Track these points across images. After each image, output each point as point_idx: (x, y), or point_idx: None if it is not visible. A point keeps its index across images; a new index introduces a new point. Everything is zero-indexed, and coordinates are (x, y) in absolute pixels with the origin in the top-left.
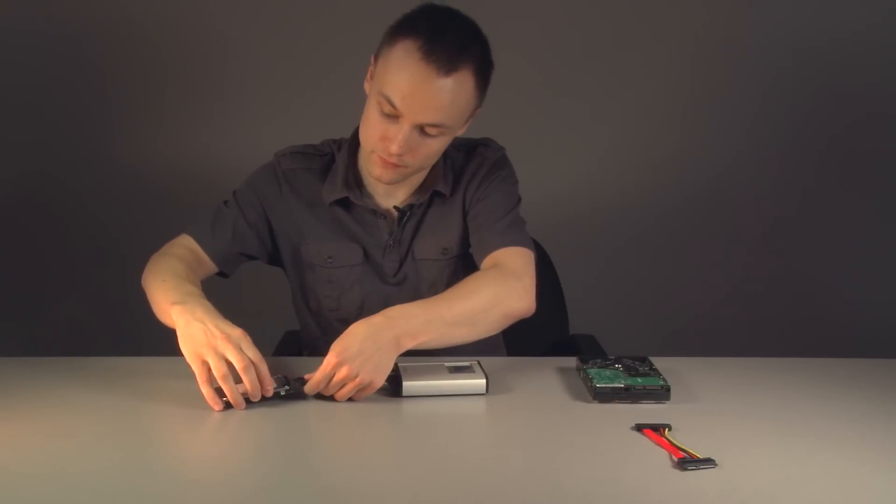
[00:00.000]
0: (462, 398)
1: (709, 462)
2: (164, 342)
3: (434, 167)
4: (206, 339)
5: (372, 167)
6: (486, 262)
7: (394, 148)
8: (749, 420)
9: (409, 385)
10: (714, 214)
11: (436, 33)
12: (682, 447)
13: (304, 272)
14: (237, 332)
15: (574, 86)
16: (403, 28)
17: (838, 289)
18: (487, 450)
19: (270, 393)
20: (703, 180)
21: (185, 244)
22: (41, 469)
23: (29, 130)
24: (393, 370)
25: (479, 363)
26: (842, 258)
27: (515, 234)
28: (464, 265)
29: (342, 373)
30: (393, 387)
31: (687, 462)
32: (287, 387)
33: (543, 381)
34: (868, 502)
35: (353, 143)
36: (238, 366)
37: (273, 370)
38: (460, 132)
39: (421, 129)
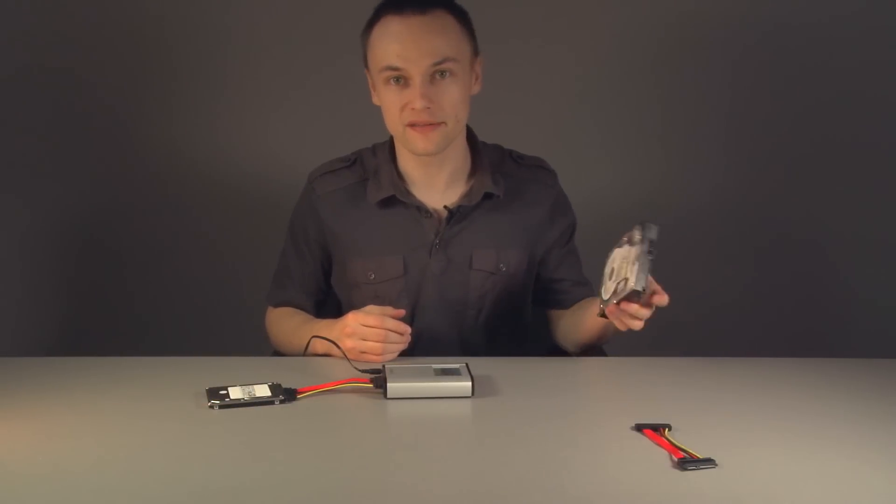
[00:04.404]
0: (452, 400)
1: (709, 462)
2: (164, 342)
3: (481, 170)
4: (349, 339)
5: (412, 143)
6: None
7: (417, 104)
8: (749, 420)
9: (393, 387)
10: (715, 216)
11: (398, 1)
12: (682, 447)
13: (351, 291)
14: (349, 318)
15: (577, 90)
16: (370, 21)
17: (839, 289)
18: (487, 450)
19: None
20: (705, 182)
21: (283, 311)
22: (41, 469)
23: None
24: (379, 371)
25: (466, 365)
26: (843, 258)
27: (588, 285)
28: (512, 284)
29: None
30: (379, 388)
31: (687, 462)
32: (282, 396)
33: (544, 381)
34: (868, 502)
35: (392, 145)
36: (376, 323)
37: (273, 371)
38: (475, 88)
39: (431, 77)
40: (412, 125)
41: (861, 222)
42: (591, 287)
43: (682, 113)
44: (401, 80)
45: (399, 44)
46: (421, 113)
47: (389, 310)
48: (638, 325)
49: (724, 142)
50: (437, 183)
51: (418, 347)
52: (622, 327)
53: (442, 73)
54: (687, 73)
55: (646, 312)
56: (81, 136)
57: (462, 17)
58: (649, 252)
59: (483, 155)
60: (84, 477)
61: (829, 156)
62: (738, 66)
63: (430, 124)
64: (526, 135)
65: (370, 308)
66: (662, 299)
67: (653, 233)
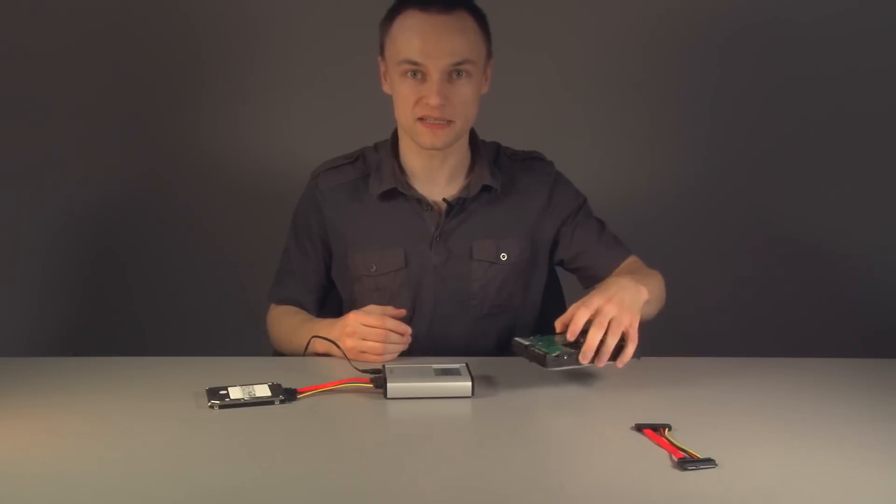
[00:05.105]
0: (452, 400)
1: (709, 462)
2: (164, 342)
3: (480, 164)
4: (350, 339)
5: (421, 137)
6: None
7: (433, 100)
8: (749, 420)
9: (393, 387)
10: (714, 214)
11: None
12: (682, 447)
13: (353, 285)
14: (349, 318)
15: (570, 87)
16: (392, 11)
17: (839, 288)
18: (487, 450)
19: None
20: (704, 180)
21: (284, 310)
22: (41, 469)
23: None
24: (379, 371)
25: (466, 365)
26: (842, 257)
27: (619, 246)
28: (514, 274)
29: (606, 305)
30: (379, 388)
31: (687, 462)
32: (282, 396)
33: (544, 381)
34: (868, 502)
35: (394, 141)
36: (376, 323)
37: (273, 371)
38: (484, 89)
39: (448, 76)
40: (423, 119)
41: (859, 221)
42: (624, 249)
43: (674, 111)
44: (418, 74)
45: (421, 39)
46: (434, 109)
47: (390, 310)
48: (621, 361)
49: (712, 137)
50: (438, 177)
51: (422, 340)
52: (620, 364)
53: (458, 72)
54: (677, 68)
55: (591, 352)
56: (84, 137)
57: (482, 20)
58: (527, 348)
59: (482, 151)
60: (84, 477)
61: (823, 152)
62: (729, 62)
63: (440, 122)
64: (515, 130)
65: (371, 308)
66: (572, 330)
67: (516, 348)
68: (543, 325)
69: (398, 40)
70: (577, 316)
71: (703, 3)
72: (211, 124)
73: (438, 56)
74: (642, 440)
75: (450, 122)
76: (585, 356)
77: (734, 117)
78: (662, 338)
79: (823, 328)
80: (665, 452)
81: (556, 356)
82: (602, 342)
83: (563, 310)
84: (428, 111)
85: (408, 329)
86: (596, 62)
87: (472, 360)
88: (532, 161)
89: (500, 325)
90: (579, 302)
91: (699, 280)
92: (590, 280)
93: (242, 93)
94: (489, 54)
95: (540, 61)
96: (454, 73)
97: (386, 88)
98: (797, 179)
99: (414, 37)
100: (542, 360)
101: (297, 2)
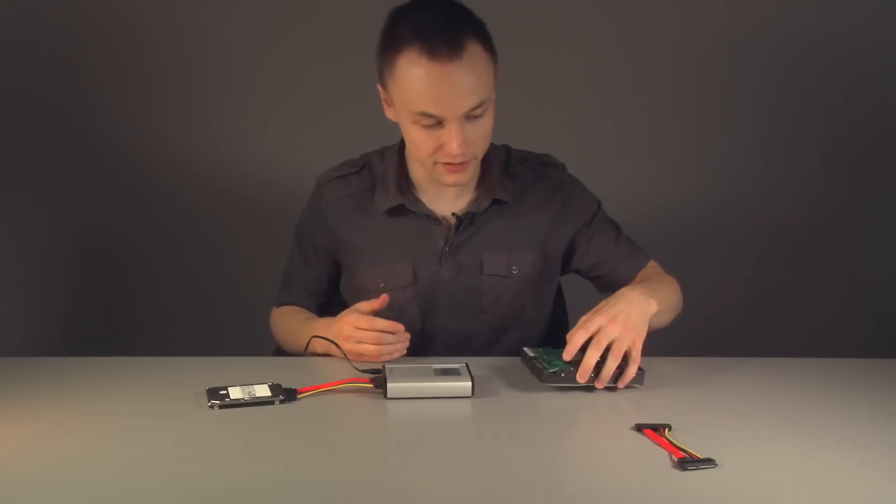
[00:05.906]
0: (452, 400)
1: (709, 462)
2: (164, 342)
3: (490, 175)
4: (346, 342)
5: (442, 177)
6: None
7: (455, 149)
8: (749, 420)
9: (393, 387)
10: (715, 216)
11: (424, 29)
12: (682, 447)
13: (360, 298)
14: (343, 323)
15: (580, 94)
16: (391, 45)
17: (840, 289)
18: (487, 450)
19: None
20: (705, 184)
21: (285, 309)
22: (41, 469)
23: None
24: (379, 371)
25: (466, 365)
26: (844, 258)
27: (637, 252)
28: (527, 286)
29: (609, 325)
30: (379, 388)
31: (687, 462)
32: (282, 396)
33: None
34: (868, 502)
35: (402, 151)
36: (367, 325)
37: (273, 371)
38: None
39: (466, 118)
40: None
41: (861, 221)
42: (642, 255)
43: (681, 118)
44: (434, 123)
45: (435, 92)
46: (456, 157)
47: (379, 322)
48: (621, 382)
49: (716, 139)
50: (447, 192)
51: (432, 354)
52: (620, 385)
53: (477, 114)
54: (686, 77)
55: (587, 372)
56: (82, 139)
57: (485, 37)
58: (531, 360)
59: (492, 159)
60: (84, 477)
61: (824, 152)
62: (737, 68)
63: (463, 162)
64: (541, 135)
65: (359, 306)
66: (568, 350)
67: (522, 358)
68: (547, 334)
69: (407, 89)
70: (574, 337)
71: (733, 13)
72: (209, 127)
73: (456, 106)
74: (642, 440)
75: (471, 159)
76: (582, 375)
77: (742, 120)
78: (663, 338)
79: (824, 328)
80: (665, 452)
81: (553, 372)
82: (603, 363)
83: (564, 317)
84: (449, 158)
85: (400, 326)
86: (624, 70)
87: (472, 360)
88: (544, 167)
89: (512, 336)
90: (584, 318)
91: (701, 281)
92: (607, 287)
93: (241, 96)
94: (496, 63)
95: (570, 68)
96: (472, 112)
97: (390, 115)
98: (799, 181)
99: (426, 89)
100: (539, 374)
101: (290, 5)
